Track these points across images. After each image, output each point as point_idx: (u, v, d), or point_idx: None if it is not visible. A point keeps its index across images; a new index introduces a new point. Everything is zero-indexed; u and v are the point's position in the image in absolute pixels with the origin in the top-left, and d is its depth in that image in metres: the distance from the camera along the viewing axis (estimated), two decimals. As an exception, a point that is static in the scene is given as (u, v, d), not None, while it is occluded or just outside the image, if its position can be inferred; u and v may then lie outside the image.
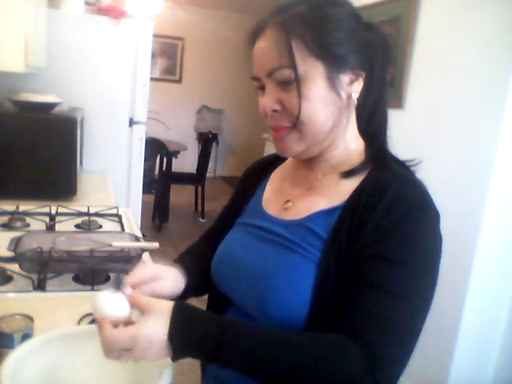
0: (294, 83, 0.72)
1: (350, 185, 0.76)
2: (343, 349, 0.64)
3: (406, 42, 2.36)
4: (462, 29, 2.06)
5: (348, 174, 0.77)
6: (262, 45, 0.74)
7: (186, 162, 6.12)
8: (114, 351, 0.63)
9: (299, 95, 0.72)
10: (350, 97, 0.76)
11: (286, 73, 0.72)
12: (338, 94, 0.74)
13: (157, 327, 0.63)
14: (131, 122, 2.59)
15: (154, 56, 2.94)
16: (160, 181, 4.55)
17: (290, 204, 0.82)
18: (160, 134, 4.86)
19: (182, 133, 6.40)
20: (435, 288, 0.71)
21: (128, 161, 2.63)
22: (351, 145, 0.80)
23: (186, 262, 0.89)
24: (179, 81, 6.61)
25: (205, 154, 4.84)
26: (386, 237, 0.68)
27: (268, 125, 0.77)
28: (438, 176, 2.16)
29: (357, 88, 0.75)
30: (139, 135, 2.63)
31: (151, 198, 4.51)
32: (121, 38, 2.48)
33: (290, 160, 0.92)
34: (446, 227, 2.35)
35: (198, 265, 0.92)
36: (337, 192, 0.77)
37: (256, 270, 0.78)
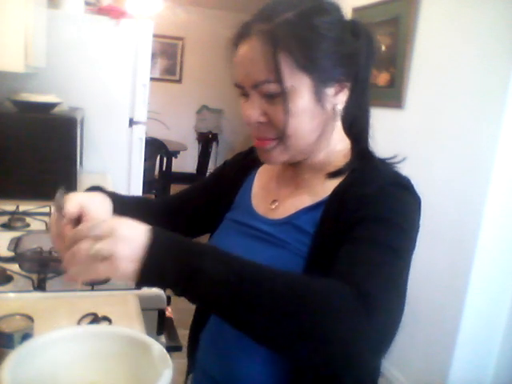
0: (280, 97, 0.70)
1: (335, 181, 0.77)
2: (334, 283, 0.59)
3: (406, 42, 2.37)
4: (462, 29, 2.06)
5: (334, 175, 0.77)
6: (247, 54, 0.71)
7: (186, 162, 6.11)
8: (86, 240, 0.56)
9: (285, 110, 0.70)
10: (334, 108, 0.75)
11: (272, 87, 0.70)
12: (324, 107, 0.73)
13: (137, 225, 0.58)
14: (131, 122, 2.59)
15: (154, 56, 2.94)
16: (160, 181, 4.55)
17: (276, 204, 0.83)
18: (160, 134, 4.86)
19: (182, 133, 6.40)
20: (411, 256, 0.70)
21: (128, 161, 2.63)
22: (336, 147, 0.81)
23: (122, 199, 0.90)
24: (179, 81, 6.61)
25: (205, 154, 4.84)
26: (368, 203, 0.69)
27: (252, 134, 0.76)
28: (438, 176, 2.16)
29: (342, 99, 0.75)
30: (139, 135, 2.63)
31: (151, 198, 4.51)
32: (121, 38, 2.48)
33: None
34: (446, 227, 2.35)
35: (137, 206, 0.94)
36: (322, 189, 0.78)
37: None
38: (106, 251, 0.55)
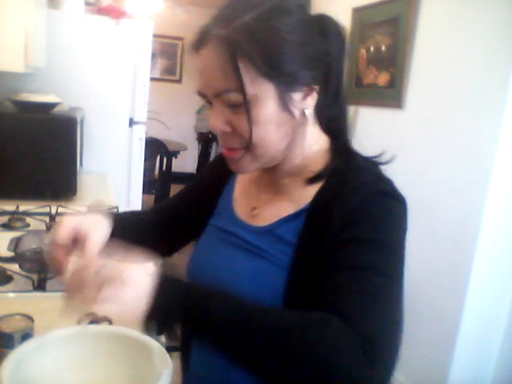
0: (242, 106, 0.66)
1: (315, 186, 0.74)
2: (332, 321, 0.58)
3: (406, 42, 2.37)
4: (462, 29, 2.06)
5: (312, 181, 0.74)
6: (206, 61, 0.67)
7: (186, 162, 6.11)
8: (96, 282, 0.57)
9: (249, 120, 0.67)
10: (303, 112, 0.71)
11: (234, 96, 0.66)
12: (291, 113, 0.69)
13: (144, 271, 0.59)
14: (131, 122, 2.59)
15: (154, 56, 2.93)
16: (160, 181, 4.55)
17: (257, 211, 0.81)
18: (160, 134, 4.86)
19: (182, 133, 6.39)
20: (404, 267, 0.67)
21: (128, 161, 2.63)
22: (312, 148, 0.77)
23: (120, 220, 0.88)
24: (179, 81, 6.60)
25: (205, 154, 4.84)
26: (352, 222, 0.66)
27: (219, 143, 0.74)
28: (438, 176, 2.16)
29: (311, 102, 0.71)
30: (139, 135, 2.63)
31: (151, 198, 4.51)
32: (121, 38, 2.48)
33: None
34: (446, 227, 2.35)
35: (132, 224, 0.92)
36: (302, 195, 0.75)
37: (225, 276, 0.77)
38: (112, 297, 0.57)
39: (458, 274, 2.00)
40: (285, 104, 0.68)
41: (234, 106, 0.67)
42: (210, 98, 0.70)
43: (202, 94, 0.71)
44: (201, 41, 0.68)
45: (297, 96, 0.69)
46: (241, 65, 0.64)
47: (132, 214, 1.05)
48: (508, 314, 1.99)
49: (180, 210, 0.96)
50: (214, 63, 0.66)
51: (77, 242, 0.74)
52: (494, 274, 1.96)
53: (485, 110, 1.91)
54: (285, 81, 0.67)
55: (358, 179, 0.69)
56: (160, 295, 0.57)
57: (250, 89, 0.65)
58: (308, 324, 0.58)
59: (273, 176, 0.80)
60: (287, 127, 0.71)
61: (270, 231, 0.76)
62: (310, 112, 0.72)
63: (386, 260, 0.64)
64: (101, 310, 0.57)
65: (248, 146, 0.69)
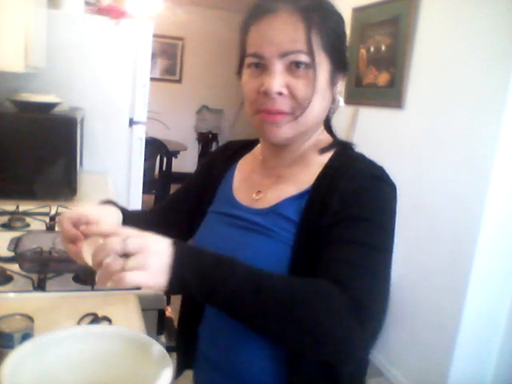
0: (305, 69, 0.74)
1: (316, 170, 0.80)
2: (329, 287, 0.65)
3: (406, 41, 2.37)
4: (462, 29, 2.06)
5: (324, 150, 0.83)
6: (278, 25, 0.74)
7: (186, 162, 6.11)
8: (117, 256, 0.60)
9: (312, 84, 0.74)
10: (334, 97, 0.81)
11: (303, 58, 0.73)
12: (331, 92, 0.80)
13: (163, 240, 0.63)
14: (131, 122, 2.59)
15: (154, 56, 2.93)
16: (160, 181, 4.55)
17: (261, 194, 0.85)
18: (160, 134, 4.86)
19: (182, 133, 6.39)
20: (393, 244, 0.74)
21: (128, 161, 2.63)
22: (320, 136, 0.85)
23: (127, 211, 0.93)
24: (179, 81, 6.61)
25: (205, 154, 4.84)
26: (348, 203, 0.73)
27: (261, 107, 0.77)
28: (438, 176, 2.16)
29: (338, 89, 0.82)
30: (139, 135, 2.62)
31: (151, 198, 4.51)
32: (121, 38, 2.48)
33: (257, 150, 0.94)
34: (446, 227, 2.35)
35: (140, 218, 0.96)
36: (304, 178, 0.80)
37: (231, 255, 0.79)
38: (141, 265, 0.59)
39: (457, 274, 2.00)
40: (332, 82, 0.78)
41: (296, 69, 0.74)
42: (269, 60, 0.74)
43: (257, 56, 0.75)
44: (267, 10, 0.75)
45: (337, 80, 0.80)
46: (312, 35, 0.74)
47: (137, 212, 1.08)
48: (508, 314, 1.99)
49: (182, 204, 0.99)
50: (287, 27, 0.73)
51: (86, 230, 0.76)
52: (493, 274, 1.96)
53: (485, 110, 1.91)
54: (338, 62, 0.78)
55: (354, 166, 0.77)
56: (177, 266, 0.61)
57: (317, 56, 0.74)
58: (309, 289, 0.65)
59: (276, 161, 0.86)
60: (326, 104, 0.80)
61: (274, 211, 0.80)
62: (337, 97, 0.82)
63: (377, 236, 0.71)
64: (128, 278, 0.59)
65: (297, 110, 0.75)
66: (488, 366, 2.05)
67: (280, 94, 0.74)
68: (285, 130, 0.77)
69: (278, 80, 0.74)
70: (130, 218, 0.90)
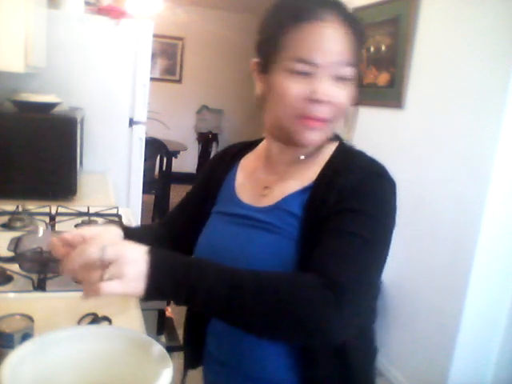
0: (347, 80, 0.76)
1: (319, 166, 0.82)
2: (303, 277, 0.68)
3: (406, 41, 2.37)
4: (462, 29, 2.06)
5: (331, 139, 0.85)
6: (329, 34, 0.74)
7: (186, 162, 6.11)
8: (94, 265, 0.61)
9: (353, 95, 0.78)
10: None
11: (349, 70, 0.76)
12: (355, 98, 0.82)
13: (138, 248, 0.64)
14: (131, 122, 2.59)
15: (154, 56, 2.93)
16: (160, 181, 4.55)
17: (267, 190, 0.86)
18: (160, 134, 4.86)
19: (182, 133, 6.39)
20: (389, 246, 0.75)
21: (128, 161, 2.63)
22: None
23: (133, 230, 0.94)
24: (179, 81, 6.61)
25: (205, 154, 4.84)
26: (347, 196, 0.74)
27: (306, 114, 0.76)
28: (438, 176, 2.16)
29: None
30: (139, 135, 2.62)
31: (151, 198, 4.51)
32: (121, 38, 2.48)
33: (259, 149, 0.95)
34: (446, 227, 2.34)
35: (145, 233, 0.95)
36: (308, 174, 0.82)
37: (241, 255, 0.80)
38: (118, 274, 0.61)
39: (457, 274, 2.00)
40: (356, 90, 0.80)
41: (340, 80, 0.76)
42: (320, 66, 0.74)
43: (308, 62, 0.75)
44: (317, 14, 0.75)
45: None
46: (357, 48, 0.77)
47: (143, 228, 1.07)
48: (508, 314, 1.99)
49: (188, 214, 0.98)
50: (341, 37, 0.75)
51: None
52: (493, 274, 1.96)
53: (485, 110, 1.91)
54: (358, 71, 0.79)
55: (354, 162, 0.80)
56: (151, 274, 0.62)
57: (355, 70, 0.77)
58: (281, 277, 0.67)
59: (284, 159, 0.86)
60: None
61: (277, 207, 0.81)
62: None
63: (370, 229, 0.72)
64: (106, 288, 0.60)
65: (335, 118, 0.78)
66: (488, 366, 2.05)
67: (329, 102, 0.76)
68: (320, 135, 0.79)
69: (331, 89, 0.75)
70: (134, 235, 0.87)
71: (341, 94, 0.76)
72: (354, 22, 0.77)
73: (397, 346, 2.37)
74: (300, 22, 0.75)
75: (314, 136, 0.79)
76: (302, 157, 0.84)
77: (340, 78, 0.76)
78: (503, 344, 2.01)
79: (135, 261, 0.62)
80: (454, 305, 2.01)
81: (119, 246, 0.63)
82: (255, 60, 0.83)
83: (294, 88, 0.75)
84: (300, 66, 0.75)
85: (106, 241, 0.64)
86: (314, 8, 0.75)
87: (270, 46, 0.78)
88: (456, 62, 2.08)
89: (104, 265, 0.61)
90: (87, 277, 0.62)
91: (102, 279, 0.60)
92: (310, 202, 0.78)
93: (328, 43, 0.74)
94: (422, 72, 2.30)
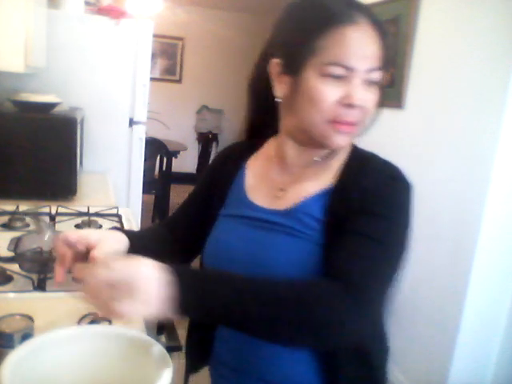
0: (376, 85, 0.77)
1: (335, 168, 0.82)
2: (317, 279, 0.70)
3: (406, 41, 2.36)
4: (462, 29, 2.06)
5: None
6: (365, 39, 0.74)
7: (186, 162, 6.11)
8: (106, 286, 0.59)
9: (380, 100, 0.79)
10: None
11: (379, 75, 0.76)
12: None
13: (152, 271, 0.61)
14: (131, 122, 2.59)
15: (154, 56, 2.93)
16: (160, 181, 4.55)
17: (282, 192, 0.84)
18: (160, 134, 4.86)
19: (182, 133, 6.39)
20: (407, 246, 0.77)
21: (128, 161, 2.63)
22: None
23: (135, 233, 0.92)
24: (179, 81, 6.60)
25: (205, 154, 4.84)
26: (367, 200, 0.75)
27: (339, 118, 0.75)
28: (438, 176, 2.16)
29: None
30: (139, 135, 2.62)
31: (151, 198, 4.51)
32: (121, 38, 2.48)
33: (268, 149, 0.92)
34: (446, 227, 2.33)
35: (150, 239, 0.94)
36: (325, 176, 0.82)
37: (261, 259, 0.78)
38: (128, 295, 0.59)
39: (457, 274, 2.00)
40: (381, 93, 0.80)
41: (370, 84, 0.76)
42: (354, 70, 0.73)
43: (344, 66, 0.73)
44: (350, 18, 0.73)
45: None
46: (386, 53, 0.77)
47: (146, 231, 1.04)
48: (508, 314, 1.99)
49: (192, 215, 0.96)
50: (373, 42, 0.74)
51: (87, 254, 0.77)
52: (494, 274, 1.96)
53: (485, 110, 1.91)
54: (384, 76, 0.79)
55: (372, 165, 0.81)
56: (179, 297, 0.61)
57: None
58: (296, 284, 0.68)
59: (300, 161, 0.84)
60: None
61: (297, 210, 0.80)
62: None
63: (387, 233, 0.73)
64: (118, 310, 0.59)
65: (362, 123, 0.79)
66: (488, 366, 2.04)
67: (361, 107, 0.75)
68: (348, 139, 0.79)
69: (364, 94, 0.75)
70: (138, 241, 0.86)
71: (371, 98, 0.77)
72: (381, 25, 0.76)
73: (397, 346, 2.37)
74: (337, 24, 0.73)
75: (342, 140, 0.78)
76: (318, 159, 0.83)
77: (371, 83, 0.75)
78: (503, 344, 2.01)
79: (146, 278, 0.60)
80: (454, 305, 2.01)
81: (127, 266, 0.62)
82: (276, 60, 0.79)
83: (329, 92, 0.73)
84: (336, 70, 0.73)
85: (114, 260, 0.63)
86: (348, 11, 0.74)
87: (302, 47, 0.75)
88: (456, 62, 2.08)
89: (118, 286, 0.60)
90: (100, 301, 0.61)
91: (113, 300, 0.59)
92: (332, 206, 0.77)
93: (365, 48, 0.73)
94: (422, 72, 2.30)
